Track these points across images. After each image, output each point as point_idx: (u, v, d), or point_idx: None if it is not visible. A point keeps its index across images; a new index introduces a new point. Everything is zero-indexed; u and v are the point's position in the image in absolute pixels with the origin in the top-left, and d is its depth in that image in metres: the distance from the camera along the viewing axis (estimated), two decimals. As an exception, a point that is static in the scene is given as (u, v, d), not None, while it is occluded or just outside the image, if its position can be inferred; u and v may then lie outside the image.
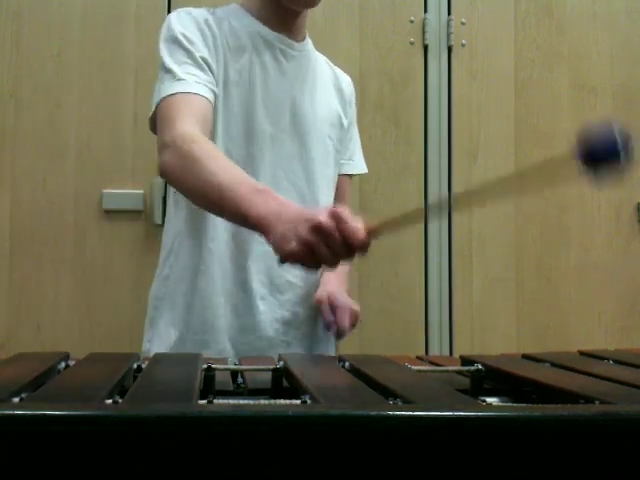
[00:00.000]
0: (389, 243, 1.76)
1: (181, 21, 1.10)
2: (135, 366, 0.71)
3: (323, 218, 0.74)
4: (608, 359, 0.83)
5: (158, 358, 0.78)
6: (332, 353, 1.21)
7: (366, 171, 1.36)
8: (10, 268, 1.69)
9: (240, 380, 0.73)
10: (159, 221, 1.71)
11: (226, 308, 1.11)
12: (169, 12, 1.75)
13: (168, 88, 1.04)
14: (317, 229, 0.74)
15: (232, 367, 0.74)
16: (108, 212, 1.72)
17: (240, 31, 1.13)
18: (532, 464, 0.44)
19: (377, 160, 1.77)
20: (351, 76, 1.33)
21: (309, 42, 1.23)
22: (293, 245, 0.75)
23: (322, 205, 1.17)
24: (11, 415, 0.41)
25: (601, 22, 1.96)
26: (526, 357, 0.87)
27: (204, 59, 1.08)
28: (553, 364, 0.78)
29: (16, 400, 0.51)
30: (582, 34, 1.96)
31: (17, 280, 1.69)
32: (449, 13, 1.88)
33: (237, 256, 1.11)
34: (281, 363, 0.71)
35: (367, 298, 1.74)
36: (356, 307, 1.14)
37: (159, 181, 1.71)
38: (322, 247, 0.75)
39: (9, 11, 1.71)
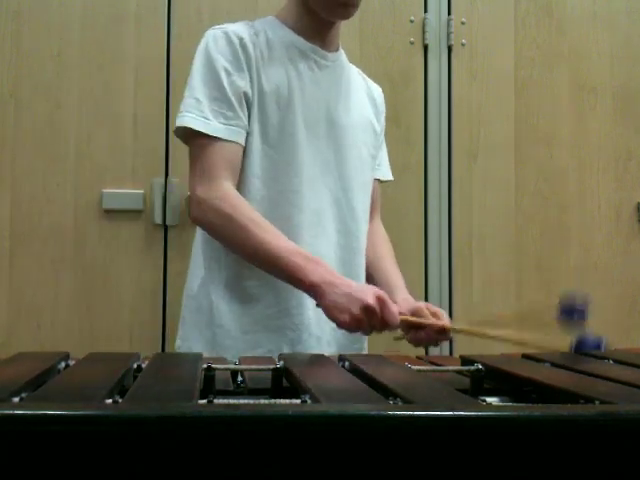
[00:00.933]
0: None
1: (218, 46, 1.11)
2: (135, 366, 0.71)
3: (371, 300, 0.93)
4: (608, 359, 0.83)
5: (158, 358, 0.78)
6: (365, 351, 1.25)
7: (392, 178, 1.39)
8: (10, 268, 1.69)
9: (240, 380, 0.73)
10: (159, 221, 1.71)
11: (276, 308, 1.13)
12: (169, 12, 1.75)
13: (195, 122, 1.09)
14: (366, 309, 0.93)
15: (232, 367, 0.74)
16: (108, 212, 1.72)
17: (276, 42, 1.16)
18: (532, 464, 0.44)
19: (377, 160, 1.77)
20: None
21: (342, 53, 1.26)
22: (346, 318, 0.94)
23: (360, 263, 1.22)
24: (11, 415, 0.41)
25: (601, 22, 1.96)
26: (526, 357, 0.87)
27: (238, 91, 1.10)
28: (553, 364, 0.78)
29: (16, 400, 0.51)
30: (582, 34, 1.96)
31: (17, 280, 1.69)
32: (449, 13, 1.89)
33: None
34: (281, 363, 0.71)
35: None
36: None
37: (159, 181, 1.71)
38: (366, 322, 0.94)
39: (9, 11, 1.71)
